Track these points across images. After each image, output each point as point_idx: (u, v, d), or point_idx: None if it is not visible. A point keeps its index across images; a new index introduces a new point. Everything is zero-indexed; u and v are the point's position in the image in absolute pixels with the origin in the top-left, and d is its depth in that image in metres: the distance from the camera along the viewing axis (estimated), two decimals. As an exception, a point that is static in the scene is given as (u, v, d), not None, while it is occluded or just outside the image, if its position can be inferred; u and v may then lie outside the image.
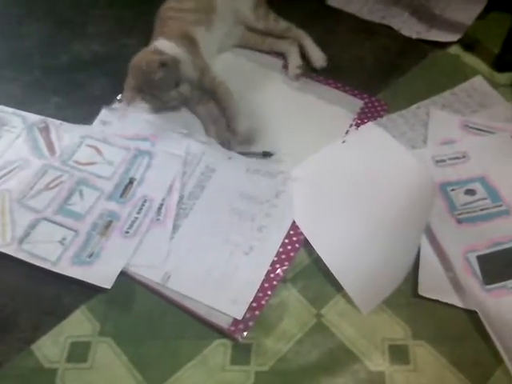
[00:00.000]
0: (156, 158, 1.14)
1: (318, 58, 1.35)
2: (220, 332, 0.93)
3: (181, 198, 1.08)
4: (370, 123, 1.20)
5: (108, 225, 1.04)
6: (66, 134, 1.19)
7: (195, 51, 1.23)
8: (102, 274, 0.98)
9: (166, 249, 1.01)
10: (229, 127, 1.19)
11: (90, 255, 1.00)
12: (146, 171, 1.12)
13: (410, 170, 1.06)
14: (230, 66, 1.35)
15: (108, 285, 0.96)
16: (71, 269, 0.99)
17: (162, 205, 1.07)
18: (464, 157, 1.13)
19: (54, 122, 1.22)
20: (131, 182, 1.11)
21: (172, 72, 1.14)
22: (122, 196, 1.09)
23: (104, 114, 1.23)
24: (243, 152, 1.17)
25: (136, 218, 1.05)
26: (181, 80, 1.17)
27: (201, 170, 1.13)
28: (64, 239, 1.03)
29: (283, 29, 1.38)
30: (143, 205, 1.07)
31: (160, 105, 1.21)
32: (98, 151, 1.16)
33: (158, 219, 1.05)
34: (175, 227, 1.04)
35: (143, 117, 1.22)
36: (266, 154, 1.16)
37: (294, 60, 1.34)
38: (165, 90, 1.17)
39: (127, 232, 1.03)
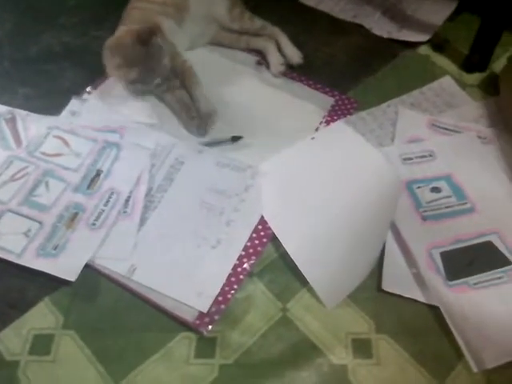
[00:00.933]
0: (124, 150, 1.13)
1: (294, 54, 1.35)
2: (185, 325, 0.93)
3: (149, 190, 1.08)
4: (339, 121, 1.21)
5: (74, 217, 1.03)
6: (33, 124, 1.17)
7: (162, 37, 1.22)
8: (66, 267, 0.96)
9: (132, 241, 1.00)
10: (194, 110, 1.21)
11: (55, 247, 0.99)
12: (113, 163, 1.11)
13: (377, 167, 1.07)
14: (203, 62, 1.33)
15: (73, 277, 0.95)
16: (36, 261, 0.97)
17: (129, 197, 1.06)
18: (431, 155, 1.15)
19: (20, 113, 1.20)
20: (98, 173, 1.10)
21: (162, 41, 1.15)
22: (88, 188, 1.07)
23: (73, 104, 1.22)
24: (212, 142, 1.17)
25: (103, 211, 1.04)
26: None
27: (170, 162, 1.13)
28: (29, 231, 1.01)
29: (258, 27, 1.38)
30: (110, 197, 1.06)
31: (149, 81, 1.19)
32: (65, 142, 1.14)
33: (125, 212, 1.04)
34: (143, 220, 1.04)
35: (113, 108, 1.21)
36: (235, 139, 1.17)
37: (276, 57, 1.34)
38: (159, 60, 1.16)
39: (93, 224, 1.02)
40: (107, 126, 1.18)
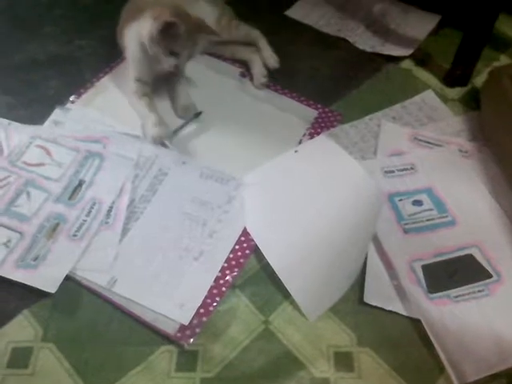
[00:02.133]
0: (107, 161, 1.12)
1: (271, 58, 1.36)
2: (166, 338, 0.92)
3: (132, 201, 1.07)
4: (322, 134, 1.22)
5: (55, 227, 1.02)
6: (15, 134, 1.16)
7: None
8: (46, 278, 0.95)
9: (113, 253, 0.99)
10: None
11: (35, 258, 0.98)
12: (96, 173, 1.10)
13: (358, 181, 1.07)
14: (188, 72, 1.35)
15: (52, 289, 0.94)
16: (15, 272, 0.96)
17: (111, 208, 1.05)
18: (412, 168, 1.16)
19: (2, 122, 1.18)
20: (80, 184, 1.09)
21: None
22: (70, 198, 1.06)
23: (56, 113, 1.21)
24: (176, 130, 1.20)
25: (84, 221, 1.03)
26: None
27: (153, 173, 1.13)
28: (9, 241, 1.00)
29: (243, 34, 1.39)
30: (92, 207, 1.05)
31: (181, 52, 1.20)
32: (48, 152, 1.13)
33: (107, 222, 1.03)
34: (125, 231, 1.03)
35: (97, 118, 1.21)
36: (196, 115, 1.23)
37: (259, 69, 1.35)
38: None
39: (75, 235, 1.01)
40: (90, 135, 1.17)
